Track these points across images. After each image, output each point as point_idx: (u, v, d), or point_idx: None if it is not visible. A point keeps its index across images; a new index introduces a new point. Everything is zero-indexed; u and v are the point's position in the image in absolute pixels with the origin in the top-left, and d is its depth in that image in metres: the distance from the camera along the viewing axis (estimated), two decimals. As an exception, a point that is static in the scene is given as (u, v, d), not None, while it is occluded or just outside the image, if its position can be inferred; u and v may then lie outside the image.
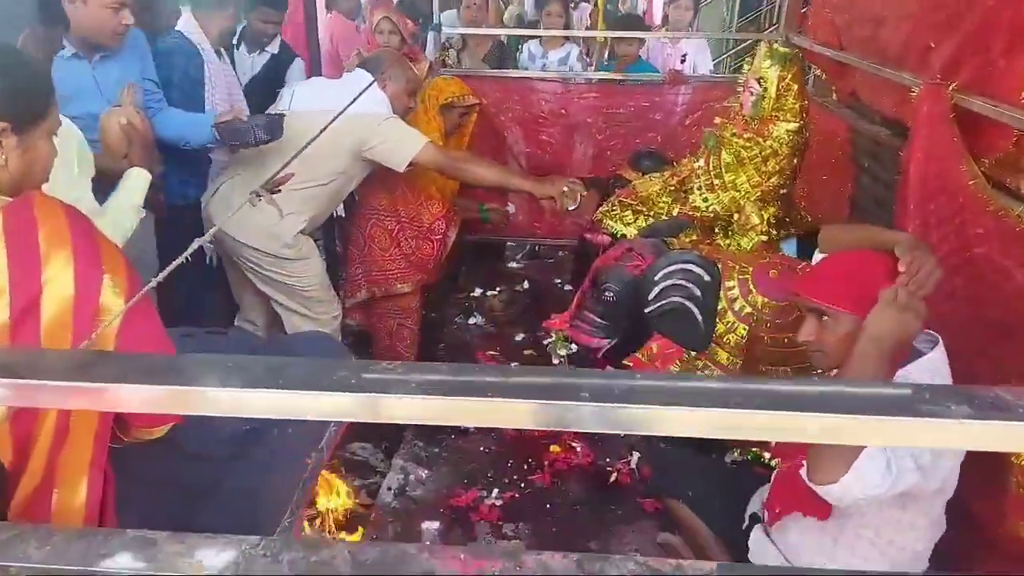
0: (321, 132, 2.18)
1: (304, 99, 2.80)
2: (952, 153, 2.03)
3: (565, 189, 2.75)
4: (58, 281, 1.11)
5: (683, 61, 4.56)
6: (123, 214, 1.85)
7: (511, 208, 3.63)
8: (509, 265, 4.27)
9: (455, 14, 4.76)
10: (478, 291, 3.72)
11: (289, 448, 1.63)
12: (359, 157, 2.77)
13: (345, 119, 2.70)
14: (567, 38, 4.67)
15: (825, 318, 1.59)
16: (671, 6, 4.64)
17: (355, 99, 2.33)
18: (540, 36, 4.60)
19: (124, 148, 1.92)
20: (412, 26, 3.83)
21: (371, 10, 3.82)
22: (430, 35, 4.14)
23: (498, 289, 3.74)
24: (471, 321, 3.55)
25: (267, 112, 2.67)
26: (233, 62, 3.22)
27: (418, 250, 3.16)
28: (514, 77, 4.19)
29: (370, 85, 2.62)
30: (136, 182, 1.90)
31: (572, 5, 9.72)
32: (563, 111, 4.16)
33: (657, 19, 9.95)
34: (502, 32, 4.46)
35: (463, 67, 4.23)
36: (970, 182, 1.94)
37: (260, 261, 2.77)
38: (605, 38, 5.79)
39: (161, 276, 1.10)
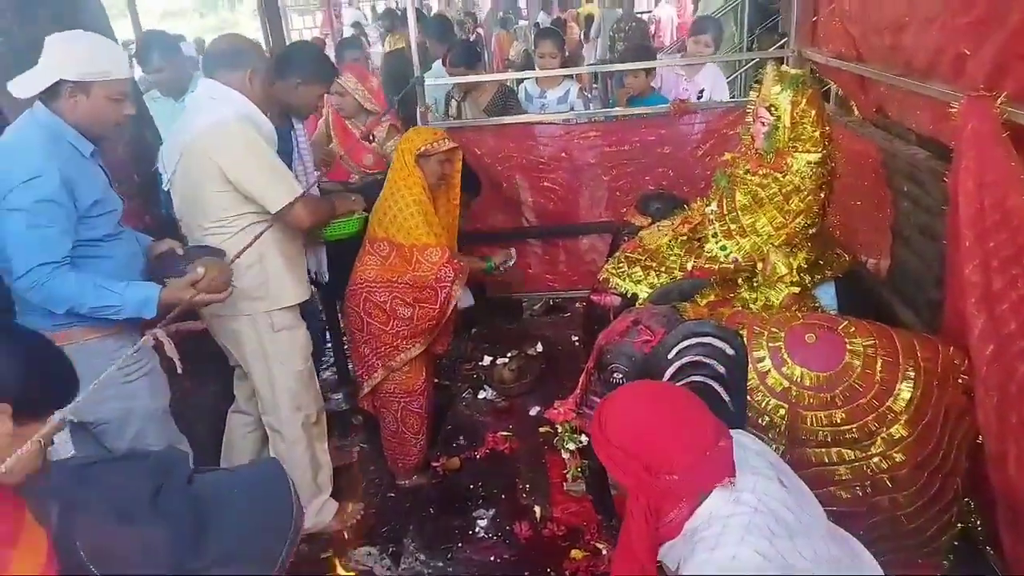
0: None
1: (168, 156, 2.48)
2: (1010, 179, 1.68)
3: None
4: None
5: (699, 98, 4.24)
6: None
7: (512, 253, 3.25)
8: (523, 322, 3.96)
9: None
10: (487, 360, 3.41)
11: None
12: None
13: (199, 137, 2.34)
14: (566, 75, 4.39)
15: None
16: (691, 39, 4.34)
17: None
18: (529, 77, 4.33)
19: None
20: (375, 82, 3.57)
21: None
22: (417, 89, 3.91)
23: (508, 356, 3.42)
24: (480, 396, 3.24)
25: (202, 245, 2.40)
26: None
27: (419, 312, 2.85)
28: (511, 123, 3.92)
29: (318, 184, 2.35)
30: None
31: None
32: (564, 154, 3.87)
33: (666, 41, 9.67)
34: (487, 78, 4.20)
35: (462, 118, 3.98)
36: (1039, 215, 1.58)
37: (243, 334, 2.55)
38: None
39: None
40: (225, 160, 2.33)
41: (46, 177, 1.94)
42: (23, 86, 2.00)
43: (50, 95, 2.01)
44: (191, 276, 2.13)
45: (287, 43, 4.72)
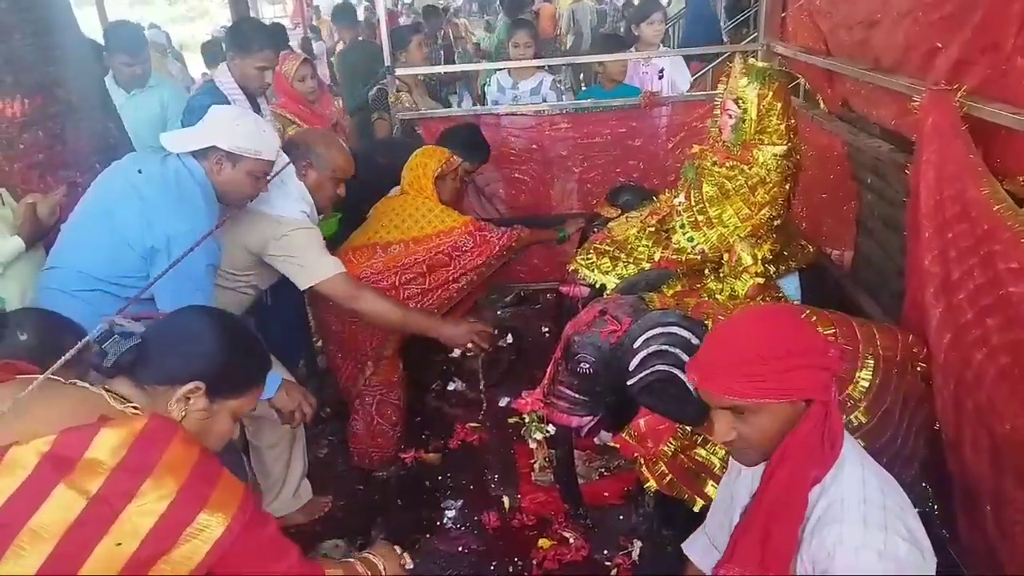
0: (200, 241, 1.90)
1: None
2: (969, 172, 1.71)
3: (470, 344, 2.54)
4: (145, 507, 1.10)
5: (661, 77, 4.26)
6: None
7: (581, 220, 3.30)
8: (495, 314, 3.95)
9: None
10: (457, 351, 3.39)
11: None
12: (260, 260, 2.48)
13: (249, 214, 2.39)
14: (540, 66, 4.38)
15: (743, 413, 1.32)
16: (644, 24, 4.33)
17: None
18: (505, 68, 4.32)
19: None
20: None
21: (283, 56, 3.55)
22: (387, 78, 3.88)
23: (479, 347, 3.41)
24: (450, 387, 3.23)
25: None
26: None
27: (432, 276, 2.85)
28: (483, 114, 3.91)
29: (276, 173, 2.31)
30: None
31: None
32: (535, 145, 3.87)
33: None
34: (460, 68, 4.18)
35: (418, 109, 3.97)
36: (995, 207, 1.61)
37: None
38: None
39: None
40: (275, 246, 2.45)
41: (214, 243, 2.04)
42: (176, 142, 2.13)
43: (198, 155, 2.12)
44: (301, 395, 2.28)
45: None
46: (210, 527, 1.13)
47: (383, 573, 1.80)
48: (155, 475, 1.12)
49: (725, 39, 7.21)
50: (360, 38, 6.22)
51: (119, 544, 1.08)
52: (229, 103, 3.01)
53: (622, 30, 8.08)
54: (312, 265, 2.43)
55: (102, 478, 1.10)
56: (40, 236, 2.28)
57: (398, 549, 2.05)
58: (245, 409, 1.43)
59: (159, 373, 1.31)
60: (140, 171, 2.12)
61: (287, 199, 2.41)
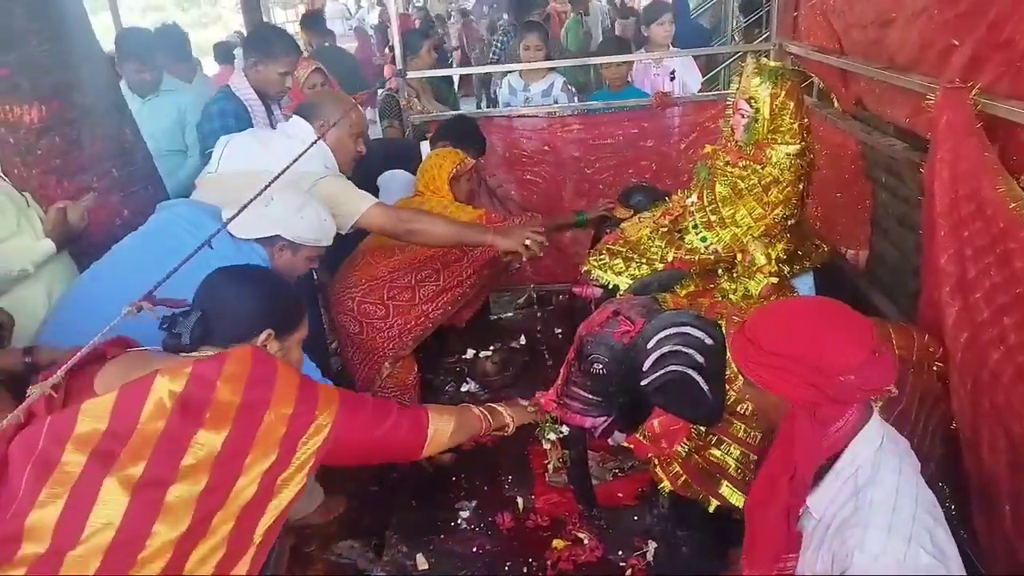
0: (243, 208, 1.90)
1: (234, 158, 2.51)
2: (984, 170, 1.70)
3: (528, 242, 2.56)
4: (279, 414, 1.41)
5: (672, 79, 4.26)
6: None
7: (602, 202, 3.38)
8: (505, 316, 3.96)
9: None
10: (470, 353, 3.40)
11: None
12: None
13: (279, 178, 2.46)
14: (551, 68, 4.38)
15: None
16: (654, 25, 4.33)
17: (291, 164, 2.06)
18: (515, 70, 4.32)
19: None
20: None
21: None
22: (400, 81, 3.90)
23: (491, 349, 3.41)
24: (464, 388, 3.24)
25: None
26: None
27: (446, 272, 2.89)
28: (495, 116, 3.92)
29: (313, 143, 2.34)
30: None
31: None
32: (547, 147, 3.87)
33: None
34: (470, 71, 4.19)
35: (430, 112, 3.99)
36: (1011, 205, 1.60)
37: None
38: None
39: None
40: None
41: None
42: (243, 228, 2.13)
43: (263, 240, 2.18)
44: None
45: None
46: (323, 424, 1.45)
47: (508, 422, 2.02)
48: (278, 386, 1.41)
49: (737, 38, 7.18)
50: (327, 44, 6.26)
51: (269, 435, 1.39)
52: (245, 108, 3.05)
53: (617, 30, 8.06)
54: (347, 204, 2.47)
55: (241, 389, 1.37)
56: (69, 241, 2.33)
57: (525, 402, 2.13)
58: (305, 334, 1.74)
59: (232, 335, 1.55)
60: (212, 247, 2.13)
61: (308, 160, 2.40)
